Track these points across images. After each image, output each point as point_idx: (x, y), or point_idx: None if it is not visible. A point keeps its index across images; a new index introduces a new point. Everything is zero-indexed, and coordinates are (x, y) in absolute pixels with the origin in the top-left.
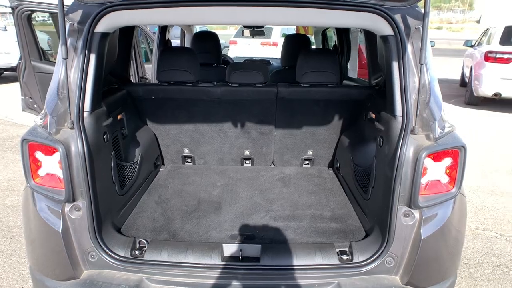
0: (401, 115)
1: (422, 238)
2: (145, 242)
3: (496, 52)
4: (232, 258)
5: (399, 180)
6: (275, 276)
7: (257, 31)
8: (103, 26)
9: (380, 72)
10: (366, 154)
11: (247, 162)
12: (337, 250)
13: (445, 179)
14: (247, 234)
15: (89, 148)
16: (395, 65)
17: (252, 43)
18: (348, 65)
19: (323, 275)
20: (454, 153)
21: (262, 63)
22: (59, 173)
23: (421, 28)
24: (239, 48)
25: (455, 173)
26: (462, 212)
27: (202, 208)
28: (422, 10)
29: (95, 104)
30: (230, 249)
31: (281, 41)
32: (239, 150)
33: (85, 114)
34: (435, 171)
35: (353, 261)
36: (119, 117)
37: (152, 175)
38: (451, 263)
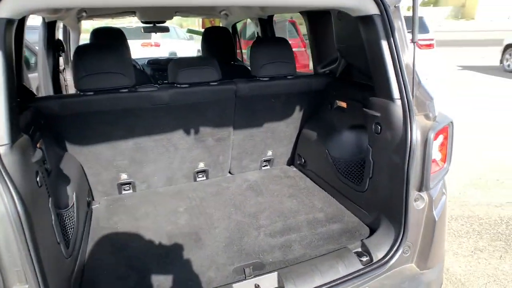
0: (399, 97)
1: (436, 220)
2: None
3: None
4: None
5: (413, 165)
6: None
7: (159, 27)
8: (6, 9)
9: (332, 58)
10: (346, 145)
11: (201, 176)
12: (353, 252)
13: (438, 156)
14: (253, 263)
15: (23, 202)
16: (384, 46)
17: (132, 44)
18: None
19: (354, 286)
20: (445, 130)
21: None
22: None
23: (399, 7)
24: None
25: (445, 149)
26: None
27: (177, 245)
28: None
29: (15, 132)
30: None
31: (163, 42)
32: (192, 164)
33: (4, 150)
34: (434, 150)
35: (374, 261)
36: (37, 146)
37: (88, 217)
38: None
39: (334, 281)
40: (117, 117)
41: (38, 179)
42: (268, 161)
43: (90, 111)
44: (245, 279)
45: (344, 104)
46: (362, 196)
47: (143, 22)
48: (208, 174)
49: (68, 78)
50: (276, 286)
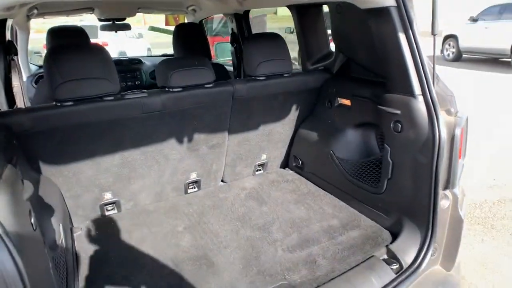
0: (420, 93)
1: (462, 218)
2: None
3: None
4: None
5: (442, 163)
6: None
7: (119, 25)
8: None
9: (324, 54)
10: (353, 145)
11: (192, 187)
12: (382, 260)
13: None
14: (281, 286)
15: (20, 255)
16: (402, 40)
17: None
18: None
19: None
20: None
21: (135, 62)
22: None
23: None
24: None
25: (461, 145)
26: None
27: (188, 273)
28: None
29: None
30: None
31: (111, 41)
32: (183, 176)
33: None
34: None
35: (405, 267)
36: None
37: (73, 249)
38: None
39: None
40: (102, 129)
41: (32, 220)
42: (262, 165)
43: (69, 125)
44: None
45: (347, 102)
46: (379, 199)
47: (100, 20)
48: (200, 184)
49: (15, 85)
50: None
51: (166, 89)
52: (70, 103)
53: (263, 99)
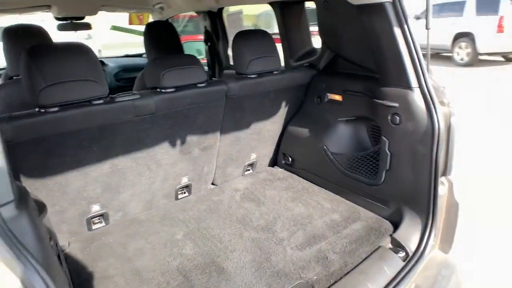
0: (417, 86)
1: (458, 202)
2: None
3: None
4: None
5: (441, 152)
6: None
7: (79, 24)
8: None
9: (307, 51)
10: (346, 139)
11: (183, 192)
12: (390, 250)
13: None
14: (298, 285)
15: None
16: (398, 35)
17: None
18: (229, 53)
19: (405, 285)
20: None
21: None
22: None
23: None
24: None
25: None
26: None
27: (199, 283)
28: None
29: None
30: None
31: (59, 41)
32: (174, 181)
33: (10, 211)
34: None
35: (411, 255)
36: None
37: (64, 269)
38: None
39: (388, 284)
40: (91, 136)
41: (52, 244)
42: (251, 165)
43: (55, 133)
44: None
45: (338, 97)
46: (377, 190)
47: (57, 19)
48: (191, 189)
49: None
50: None
51: (158, 89)
52: (56, 108)
53: (254, 97)
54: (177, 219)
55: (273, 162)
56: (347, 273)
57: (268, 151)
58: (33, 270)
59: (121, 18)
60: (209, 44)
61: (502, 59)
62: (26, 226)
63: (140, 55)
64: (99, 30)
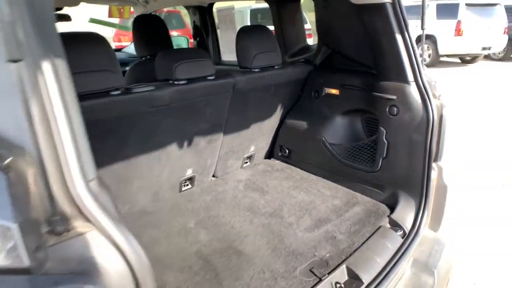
0: (413, 80)
1: (446, 185)
2: None
3: None
4: None
5: (434, 141)
6: None
7: (57, 15)
8: None
9: (301, 47)
10: (343, 130)
11: (186, 184)
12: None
13: None
14: (313, 262)
15: None
16: (397, 33)
17: None
18: (221, 48)
19: (406, 258)
20: None
21: None
22: None
23: None
24: None
25: None
26: None
27: (220, 265)
28: None
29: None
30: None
31: None
32: (180, 173)
33: (94, 188)
34: None
35: (408, 233)
36: None
37: None
38: None
39: (392, 258)
40: (108, 128)
41: None
42: (249, 157)
43: None
44: (320, 280)
45: (335, 91)
46: (374, 177)
47: None
48: (194, 181)
49: None
50: (346, 278)
51: (171, 81)
52: None
53: (257, 91)
54: (185, 209)
55: (269, 155)
56: (355, 250)
57: (265, 143)
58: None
59: (101, 10)
60: (198, 39)
61: (459, 60)
62: (108, 202)
63: (119, 50)
64: (76, 23)
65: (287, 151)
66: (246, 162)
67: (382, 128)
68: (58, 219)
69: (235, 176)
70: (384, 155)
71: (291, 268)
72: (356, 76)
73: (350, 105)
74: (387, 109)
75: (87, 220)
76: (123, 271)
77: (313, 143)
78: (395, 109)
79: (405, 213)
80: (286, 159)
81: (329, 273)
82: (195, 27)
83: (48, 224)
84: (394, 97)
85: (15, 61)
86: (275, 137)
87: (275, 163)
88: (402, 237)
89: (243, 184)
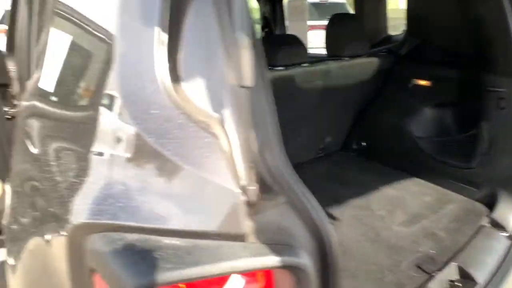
0: None
1: None
2: None
3: None
4: None
5: None
6: None
7: None
8: None
9: (383, 38)
10: (434, 124)
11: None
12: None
13: None
14: (419, 258)
15: None
16: (510, 23)
17: None
18: None
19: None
20: None
21: None
22: None
23: None
24: None
25: None
26: None
27: None
28: None
29: None
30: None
31: None
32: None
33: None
34: None
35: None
36: None
37: None
38: None
39: (503, 259)
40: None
41: None
42: (323, 148)
43: None
44: (431, 276)
45: (426, 83)
46: (469, 173)
47: None
48: None
49: None
50: (458, 277)
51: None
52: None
53: (345, 79)
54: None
55: (343, 147)
56: (462, 248)
57: (341, 135)
58: None
59: None
60: (266, 30)
61: None
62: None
63: None
64: None
65: (363, 144)
66: (320, 153)
67: (485, 122)
68: (254, 189)
69: (310, 166)
70: (485, 151)
71: (396, 262)
72: (450, 67)
73: (442, 97)
74: (493, 103)
75: (282, 191)
76: (316, 246)
77: (397, 136)
78: (503, 102)
79: (507, 213)
80: (363, 152)
81: (440, 270)
82: (264, 18)
83: (244, 193)
84: (504, 89)
85: None
86: (351, 129)
87: (351, 155)
88: (509, 238)
89: (321, 174)
